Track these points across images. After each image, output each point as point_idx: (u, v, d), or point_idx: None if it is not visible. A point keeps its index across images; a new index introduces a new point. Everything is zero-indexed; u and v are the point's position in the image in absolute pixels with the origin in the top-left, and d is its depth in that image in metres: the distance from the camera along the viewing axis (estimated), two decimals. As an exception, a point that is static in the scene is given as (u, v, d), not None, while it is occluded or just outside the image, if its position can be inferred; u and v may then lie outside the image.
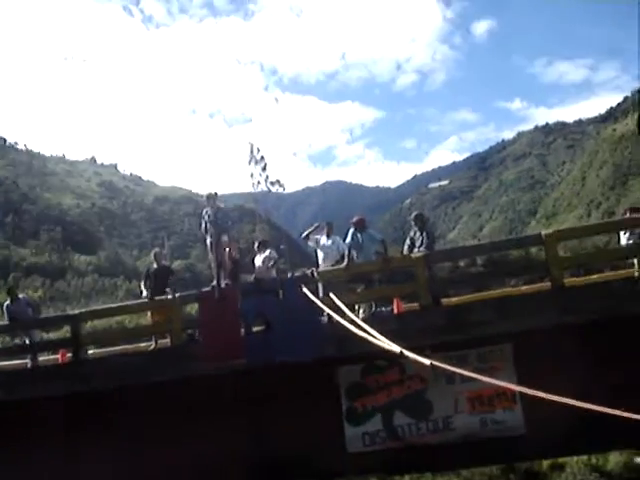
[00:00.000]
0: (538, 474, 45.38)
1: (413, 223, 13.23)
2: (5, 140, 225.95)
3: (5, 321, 14.78)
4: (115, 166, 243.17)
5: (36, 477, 13.01)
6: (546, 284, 12.38)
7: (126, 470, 12.77)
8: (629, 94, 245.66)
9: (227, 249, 13.28)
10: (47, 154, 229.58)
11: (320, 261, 13.46)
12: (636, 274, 12.96)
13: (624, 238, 13.50)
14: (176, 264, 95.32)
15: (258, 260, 13.59)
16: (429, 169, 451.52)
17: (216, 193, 14.09)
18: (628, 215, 13.76)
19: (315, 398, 12.33)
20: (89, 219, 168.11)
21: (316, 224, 14.17)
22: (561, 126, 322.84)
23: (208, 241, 13.15)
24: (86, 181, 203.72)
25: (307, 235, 13.92)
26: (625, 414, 4.85)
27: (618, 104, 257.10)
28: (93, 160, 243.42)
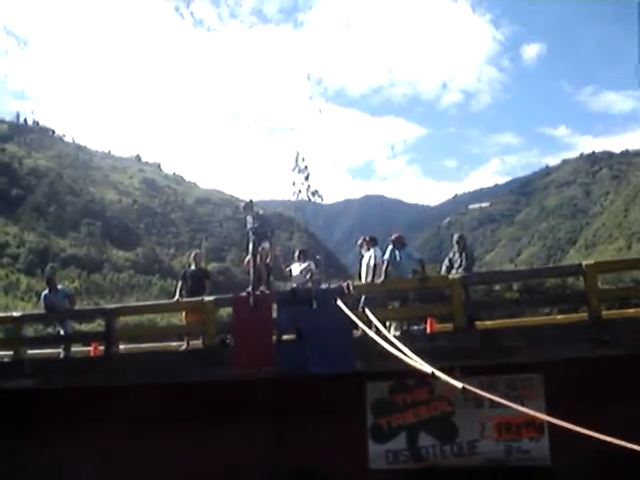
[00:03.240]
0: (560, 506, 44.64)
1: (455, 244, 13.18)
2: (54, 131, 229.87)
3: (42, 310, 15.03)
4: (159, 165, 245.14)
5: (61, 466, 13.19)
6: (581, 315, 12.28)
7: (144, 468, 12.89)
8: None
9: (266, 256, 13.34)
10: (93, 149, 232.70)
11: (362, 274, 13.39)
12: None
13: None
14: (211, 266, 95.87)
15: (296, 269, 13.62)
16: (470, 190, 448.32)
17: (252, 200, 14.23)
18: None
19: (341, 412, 12.32)
20: (129, 215, 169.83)
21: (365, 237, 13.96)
22: (607, 156, 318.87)
23: (250, 247, 13.26)
24: (129, 178, 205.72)
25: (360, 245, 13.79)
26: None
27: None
28: (138, 158, 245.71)
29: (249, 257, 13.42)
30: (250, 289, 12.66)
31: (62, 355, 14.04)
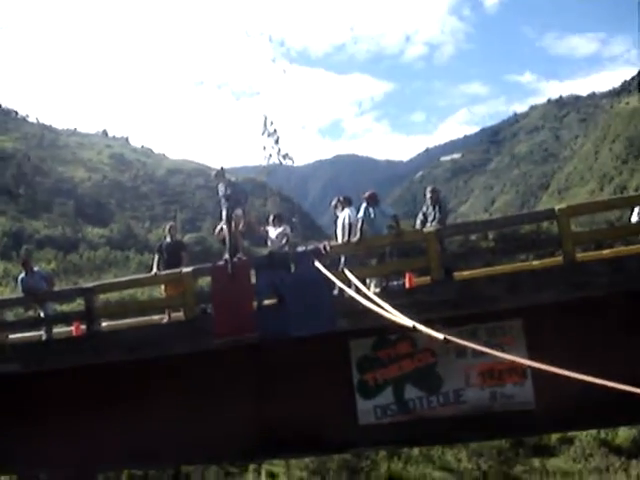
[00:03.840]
0: (547, 448, 45.70)
1: (428, 198, 13.21)
2: (17, 113, 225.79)
3: (20, 293, 14.93)
4: (126, 139, 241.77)
5: (51, 449, 13.24)
6: (557, 259, 12.40)
7: (135, 441, 12.97)
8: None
9: (240, 223, 13.29)
10: (59, 127, 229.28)
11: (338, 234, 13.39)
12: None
13: (636, 214, 13.46)
14: (187, 237, 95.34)
15: (272, 234, 13.59)
16: (440, 142, 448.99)
17: (222, 168, 14.10)
18: None
19: (327, 371, 12.46)
20: (101, 192, 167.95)
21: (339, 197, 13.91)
22: (574, 100, 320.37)
23: (224, 215, 13.16)
24: (97, 154, 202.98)
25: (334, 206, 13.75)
26: (633, 390, 4.88)
27: (632, 78, 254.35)
28: (104, 133, 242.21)
29: (221, 225, 13.35)
30: (227, 257, 12.63)
31: (44, 337, 14.00)
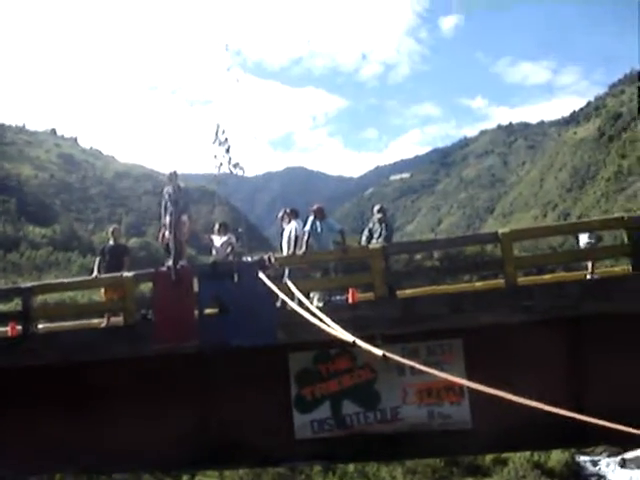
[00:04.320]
0: (481, 468, 46.07)
1: (376, 215, 13.27)
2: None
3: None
4: (75, 139, 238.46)
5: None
6: (499, 282, 12.54)
7: (67, 447, 12.71)
8: (592, 99, 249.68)
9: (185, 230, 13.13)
10: (7, 123, 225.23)
11: (284, 246, 13.35)
12: (588, 276, 13.21)
13: (583, 240, 13.70)
14: (132, 242, 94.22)
15: (217, 242, 13.50)
16: (391, 161, 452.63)
17: (176, 172, 13.90)
18: None
19: (265, 384, 12.38)
20: (46, 191, 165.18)
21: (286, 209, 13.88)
22: (523, 127, 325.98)
23: (167, 220, 12.98)
24: (45, 152, 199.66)
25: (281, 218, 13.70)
26: (567, 413, 4.94)
27: (581, 108, 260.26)
28: (53, 132, 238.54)
29: (165, 231, 13.18)
30: (170, 263, 12.47)
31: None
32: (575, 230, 15.00)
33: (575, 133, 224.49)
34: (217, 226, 13.93)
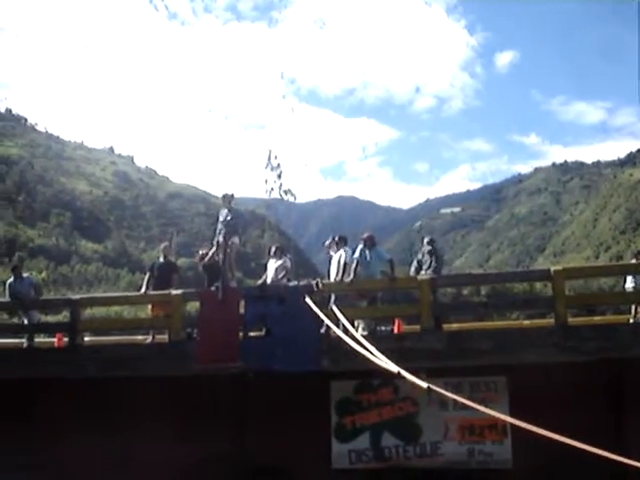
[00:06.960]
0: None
1: (426, 246, 13.19)
2: (26, 120, 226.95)
3: (6, 298, 14.76)
4: (132, 158, 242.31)
5: (29, 458, 12.98)
6: (548, 320, 12.35)
7: (107, 460, 12.73)
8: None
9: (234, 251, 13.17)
10: (66, 139, 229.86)
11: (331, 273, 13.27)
12: (631, 320, 12.95)
13: (630, 282, 13.48)
14: (181, 261, 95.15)
15: (271, 266, 13.44)
16: (442, 194, 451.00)
17: (232, 194, 13.92)
18: (635, 260, 13.76)
19: (305, 410, 12.29)
20: (100, 207, 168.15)
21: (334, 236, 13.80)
22: (579, 166, 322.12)
23: (220, 239, 13.04)
24: (101, 170, 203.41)
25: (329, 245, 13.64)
26: (610, 455, 4.81)
27: (638, 150, 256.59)
28: (111, 150, 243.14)
29: (207, 249, 13.28)
30: (219, 284, 12.49)
31: (25, 345, 13.84)
32: (625, 272, 14.72)
33: (631, 175, 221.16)
34: (273, 249, 13.85)
